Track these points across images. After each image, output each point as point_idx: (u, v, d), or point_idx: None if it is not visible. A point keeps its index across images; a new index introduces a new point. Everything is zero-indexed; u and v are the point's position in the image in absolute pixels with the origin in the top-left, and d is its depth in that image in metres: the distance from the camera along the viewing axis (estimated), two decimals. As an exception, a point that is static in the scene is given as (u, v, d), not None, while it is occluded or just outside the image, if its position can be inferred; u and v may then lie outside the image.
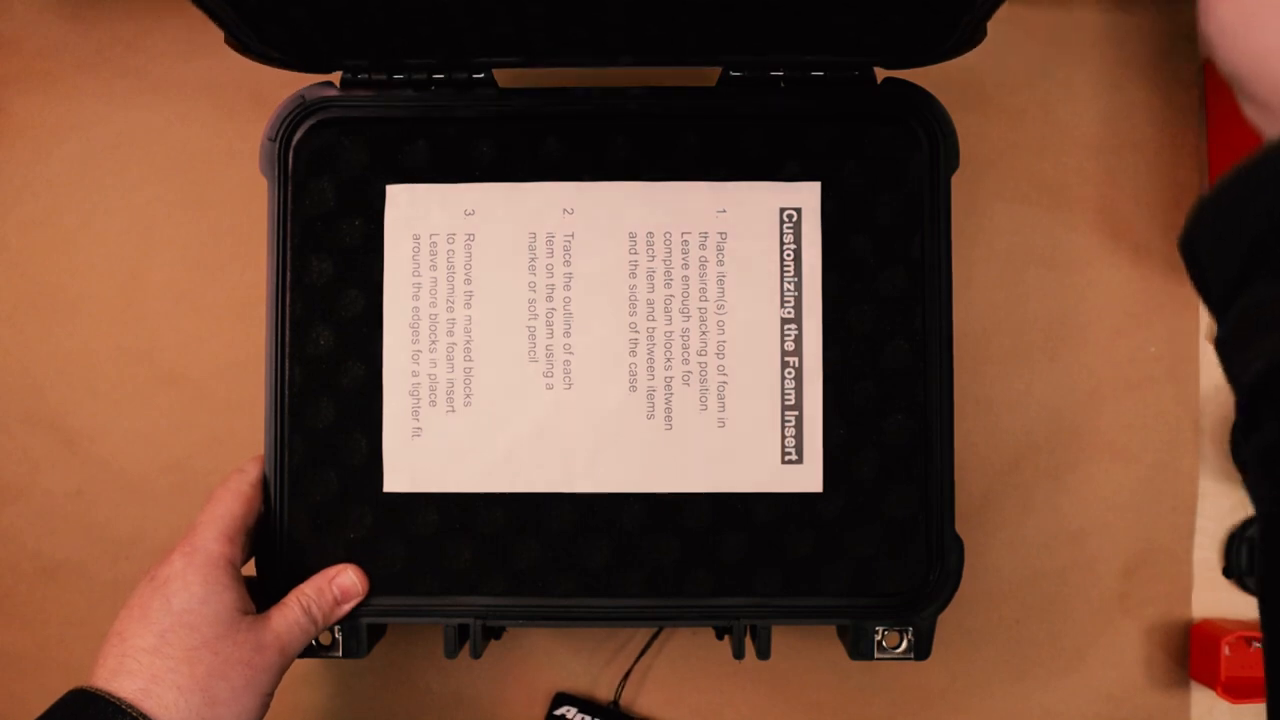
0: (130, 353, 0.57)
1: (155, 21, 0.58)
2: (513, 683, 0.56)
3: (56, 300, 0.57)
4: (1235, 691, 0.52)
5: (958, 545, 0.48)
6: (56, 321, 0.57)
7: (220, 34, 0.57)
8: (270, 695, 0.44)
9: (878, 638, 0.48)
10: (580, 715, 0.55)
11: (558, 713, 0.55)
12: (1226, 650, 0.52)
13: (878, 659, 0.48)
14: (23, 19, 0.58)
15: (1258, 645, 0.52)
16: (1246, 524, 0.55)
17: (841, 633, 0.51)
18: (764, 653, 0.48)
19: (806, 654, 0.56)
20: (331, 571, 0.48)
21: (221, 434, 0.57)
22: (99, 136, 0.58)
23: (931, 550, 0.48)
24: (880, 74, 0.49)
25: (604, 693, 0.56)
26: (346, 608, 0.48)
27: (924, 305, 0.48)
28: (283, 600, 0.46)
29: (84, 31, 0.58)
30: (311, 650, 0.48)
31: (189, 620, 0.42)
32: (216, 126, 0.57)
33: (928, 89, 0.48)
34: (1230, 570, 0.56)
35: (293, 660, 0.45)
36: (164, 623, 0.42)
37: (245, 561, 0.47)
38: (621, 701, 0.56)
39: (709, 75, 0.49)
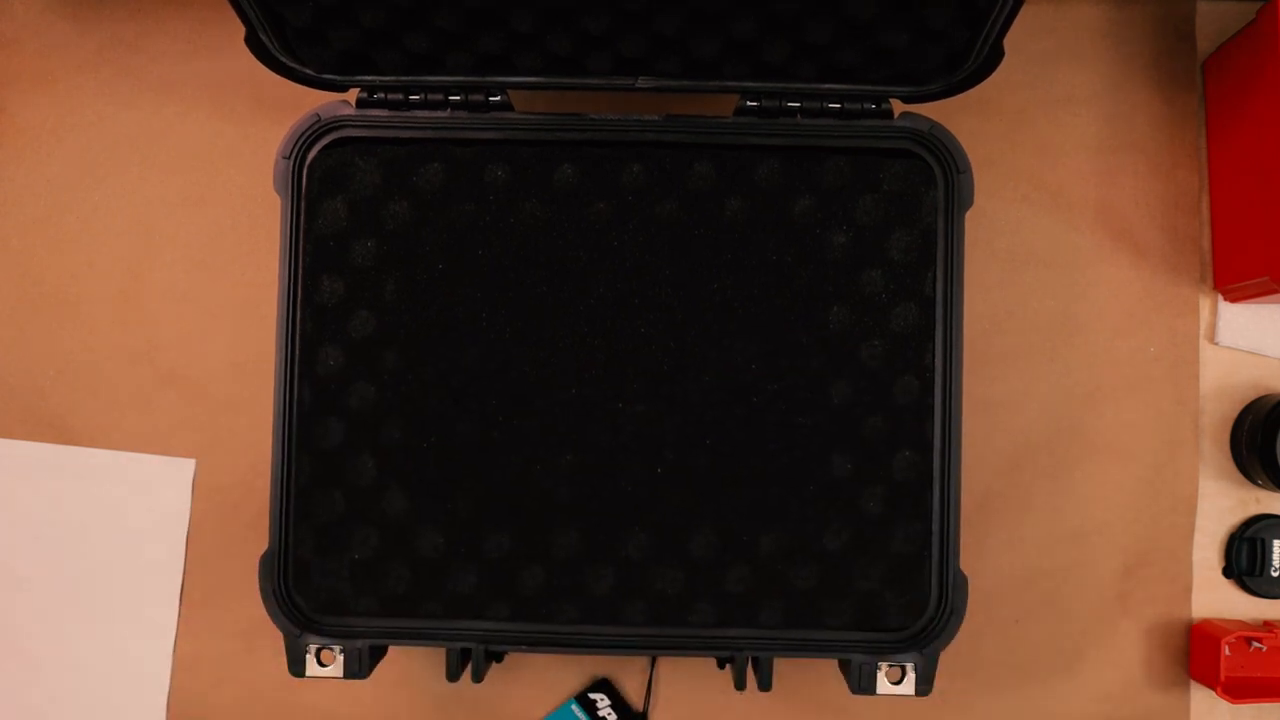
0: (130, 353, 0.57)
1: (156, 22, 0.58)
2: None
3: (56, 300, 0.57)
4: (1235, 691, 0.52)
5: (963, 583, 0.47)
6: (56, 321, 0.57)
7: (221, 35, 0.58)
8: None
9: (880, 673, 0.47)
10: (610, 710, 0.55)
11: (591, 695, 0.55)
12: (1226, 650, 0.52)
13: (879, 694, 0.47)
14: (23, 19, 0.58)
15: (1258, 645, 0.52)
16: (1246, 524, 0.55)
17: (843, 665, 0.50)
18: (765, 684, 0.47)
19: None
20: None
21: (222, 434, 0.57)
22: (99, 136, 0.58)
23: (936, 587, 0.47)
24: (898, 107, 0.48)
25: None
26: None
27: (935, 342, 0.48)
28: None
29: (84, 31, 0.58)
30: (313, 669, 0.47)
31: None
32: (216, 126, 0.57)
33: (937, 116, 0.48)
34: (1230, 570, 0.56)
35: None
36: None
37: None
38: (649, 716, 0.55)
39: (726, 104, 0.49)
